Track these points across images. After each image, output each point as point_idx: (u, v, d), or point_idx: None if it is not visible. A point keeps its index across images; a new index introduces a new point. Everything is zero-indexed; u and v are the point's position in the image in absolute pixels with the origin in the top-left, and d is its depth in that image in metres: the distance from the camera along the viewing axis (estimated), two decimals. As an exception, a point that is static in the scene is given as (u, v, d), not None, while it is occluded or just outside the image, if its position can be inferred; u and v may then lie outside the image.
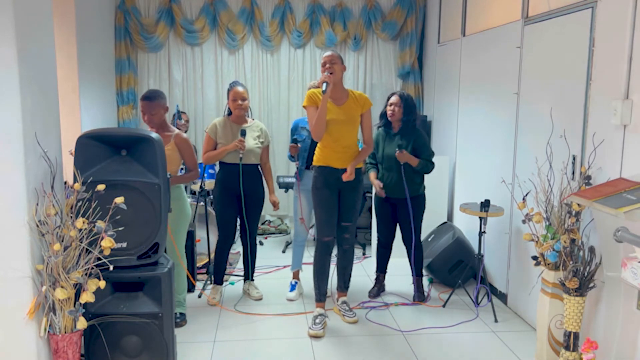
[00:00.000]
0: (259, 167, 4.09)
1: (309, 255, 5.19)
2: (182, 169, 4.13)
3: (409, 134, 4.03)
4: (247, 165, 3.97)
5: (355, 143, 3.68)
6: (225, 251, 4.12)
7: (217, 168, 4.22)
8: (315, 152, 3.69)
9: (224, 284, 4.48)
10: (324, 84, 3.41)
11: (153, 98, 3.49)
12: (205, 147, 3.96)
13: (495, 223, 4.25)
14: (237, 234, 4.83)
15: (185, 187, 5.15)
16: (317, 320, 3.60)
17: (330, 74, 3.47)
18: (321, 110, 3.44)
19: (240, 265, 4.99)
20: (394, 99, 4.07)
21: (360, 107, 3.63)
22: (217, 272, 4.16)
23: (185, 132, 5.54)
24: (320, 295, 3.71)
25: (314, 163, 3.69)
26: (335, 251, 3.81)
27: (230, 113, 4.01)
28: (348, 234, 3.77)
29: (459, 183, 5.14)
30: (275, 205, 4.18)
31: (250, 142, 3.95)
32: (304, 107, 3.58)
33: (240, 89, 3.92)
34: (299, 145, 4.10)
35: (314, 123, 3.48)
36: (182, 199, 3.59)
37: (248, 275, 4.27)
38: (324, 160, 3.62)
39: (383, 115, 4.16)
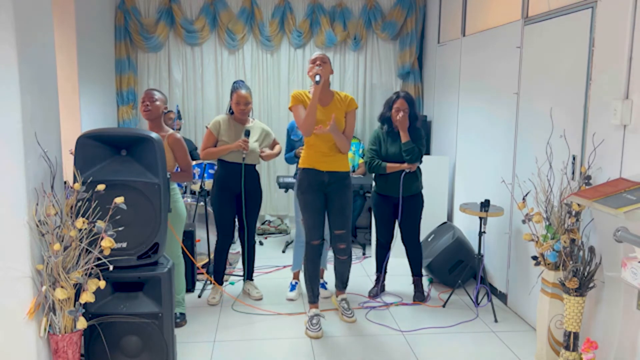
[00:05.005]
0: (256, 167, 4.11)
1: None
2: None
3: (410, 131, 4.02)
4: (247, 165, 4.00)
5: None
6: (225, 251, 4.13)
7: (215, 167, 4.21)
8: (302, 154, 3.65)
9: (224, 284, 4.48)
10: (317, 76, 3.36)
11: (157, 91, 3.55)
12: (205, 143, 3.95)
13: (495, 223, 4.25)
14: (237, 233, 4.84)
15: (185, 187, 5.15)
16: (314, 321, 3.59)
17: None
18: (313, 102, 3.37)
19: (240, 265, 4.99)
20: (400, 103, 3.95)
21: (345, 107, 3.58)
22: (217, 272, 4.17)
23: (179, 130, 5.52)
24: (314, 297, 3.69)
25: (299, 165, 3.63)
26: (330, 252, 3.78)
27: (232, 112, 4.02)
28: (343, 244, 3.64)
29: (458, 183, 5.14)
30: (244, 145, 3.86)
31: (253, 143, 3.97)
32: (289, 108, 3.53)
33: (243, 92, 3.93)
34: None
35: (304, 116, 3.41)
36: (175, 201, 3.58)
37: (247, 275, 4.27)
38: (309, 162, 3.57)
39: (386, 120, 4.04)
